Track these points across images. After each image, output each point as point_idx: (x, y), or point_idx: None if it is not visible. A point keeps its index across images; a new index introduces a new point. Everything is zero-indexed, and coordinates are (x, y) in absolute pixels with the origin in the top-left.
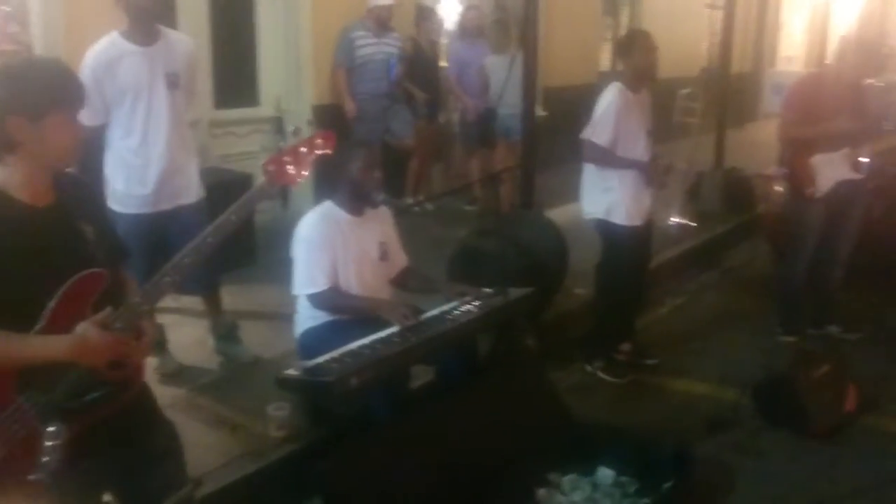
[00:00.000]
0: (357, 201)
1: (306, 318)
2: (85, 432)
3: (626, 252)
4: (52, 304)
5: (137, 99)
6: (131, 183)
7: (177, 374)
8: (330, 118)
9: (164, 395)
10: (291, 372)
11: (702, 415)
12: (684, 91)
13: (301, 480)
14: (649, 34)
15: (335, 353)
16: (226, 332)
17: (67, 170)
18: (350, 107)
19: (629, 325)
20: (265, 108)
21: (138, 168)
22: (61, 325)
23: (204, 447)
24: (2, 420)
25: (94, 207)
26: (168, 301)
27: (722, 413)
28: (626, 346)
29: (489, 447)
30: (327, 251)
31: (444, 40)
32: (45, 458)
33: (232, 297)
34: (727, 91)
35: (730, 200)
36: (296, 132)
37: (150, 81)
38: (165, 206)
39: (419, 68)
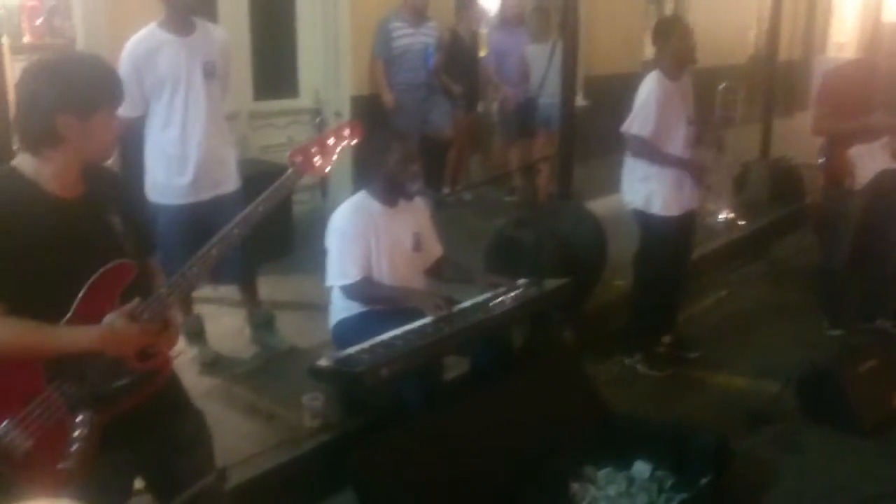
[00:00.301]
0: (391, 193)
1: (340, 308)
2: (113, 421)
3: (664, 243)
4: (80, 294)
5: (176, 88)
6: (171, 173)
7: (214, 364)
8: (368, 109)
9: (201, 384)
10: (323, 362)
11: (742, 409)
12: (722, 86)
13: (334, 470)
14: (684, 20)
15: (367, 344)
16: (262, 322)
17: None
18: (388, 98)
19: (670, 318)
20: (304, 100)
21: (178, 158)
22: (90, 315)
23: (239, 436)
24: (31, 409)
25: (122, 199)
26: (206, 291)
27: (763, 407)
28: (666, 339)
29: (523, 440)
30: (360, 242)
31: (484, 29)
32: (73, 447)
33: (269, 287)
34: (774, 79)
35: (777, 191)
36: (321, 123)
37: (189, 71)
38: (205, 195)
39: (457, 58)
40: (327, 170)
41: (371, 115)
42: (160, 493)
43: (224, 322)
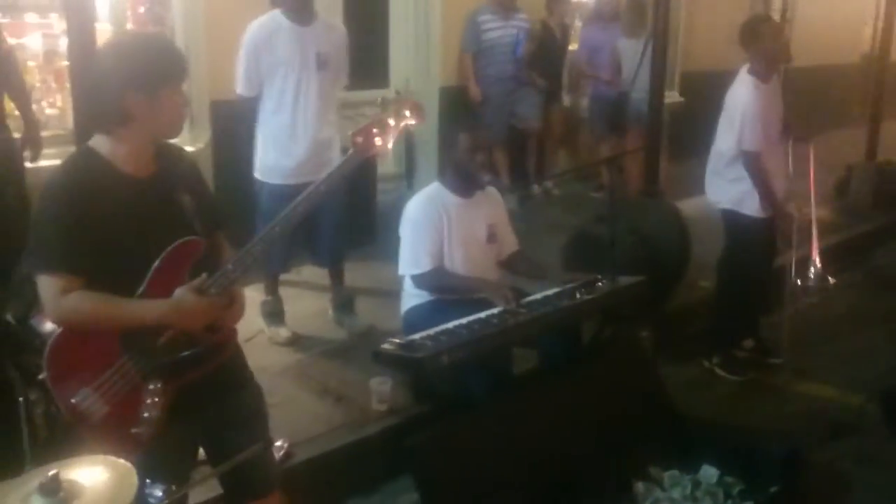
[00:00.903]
0: (463, 183)
1: (411, 295)
2: (182, 390)
3: (753, 245)
4: (152, 270)
5: (289, 73)
6: (279, 155)
7: (291, 344)
8: (456, 100)
9: (277, 362)
10: (387, 346)
11: (824, 419)
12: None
13: (397, 454)
14: (773, 18)
15: (432, 331)
16: (343, 303)
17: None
18: (475, 91)
19: (753, 322)
20: (395, 90)
21: (286, 141)
22: (160, 290)
23: (309, 415)
24: (107, 377)
25: (192, 177)
26: (290, 275)
27: (846, 419)
28: (748, 343)
29: (588, 435)
30: (432, 232)
31: (578, 23)
32: (146, 414)
33: (351, 273)
34: (884, 79)
35: (882, 196)
36: (382, 103)
37: (303, 58)
38: (309, 178)
39: (546, 51)
40: (387, 149)
41: (459, 107)
42: (217, 463)
43: (306, 304)
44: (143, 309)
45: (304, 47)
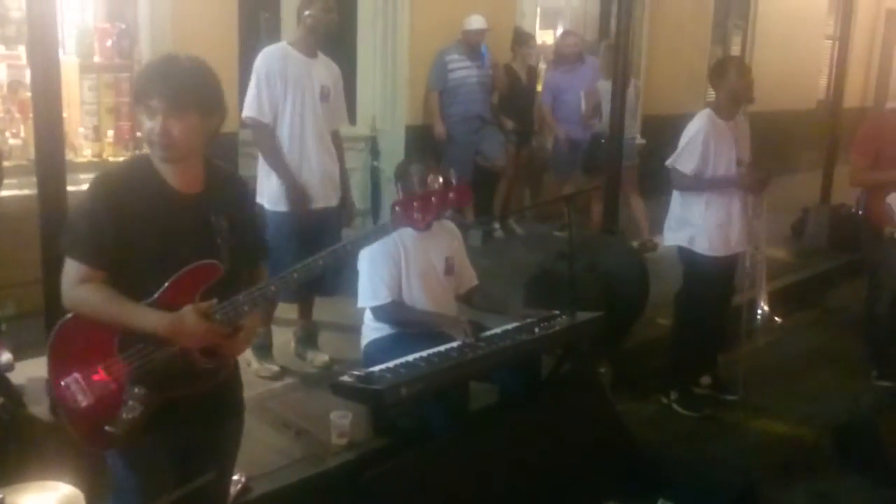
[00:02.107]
0: None
1: (371, 329)
2: (167, 405)
3: (707, 283)
4: (167, 283)
5: (296, 102)
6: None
7: (275, 379)
8: (422, 139)
9: None
10: (345, 378)
11: (778, 455)
12: None
13: (355, 489)
14: (743, 60)
15: (391, 363)
16: (307, 336)
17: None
18: (440, 130)
19: (709, 358)
20: (361, 128)
21: (296, 170)
22: (170, 303)
23: (268, 448)
24: (96, 369)
25: (237, 204)
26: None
27: (799, 455)
28: (705, 380)
29: (546, 469)
30: (390, 265)
31: (542, 65)
32: (124, 415)
33: (315, 308)
34: (838, 125)
35: (836, 238)
36: (432, 181)
37: (310, 89)
38: (313, 206)
39: (514, 95)
40: (423, 226)
41: (425, 145)
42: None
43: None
44: (144, 316)
45: (311, 79)
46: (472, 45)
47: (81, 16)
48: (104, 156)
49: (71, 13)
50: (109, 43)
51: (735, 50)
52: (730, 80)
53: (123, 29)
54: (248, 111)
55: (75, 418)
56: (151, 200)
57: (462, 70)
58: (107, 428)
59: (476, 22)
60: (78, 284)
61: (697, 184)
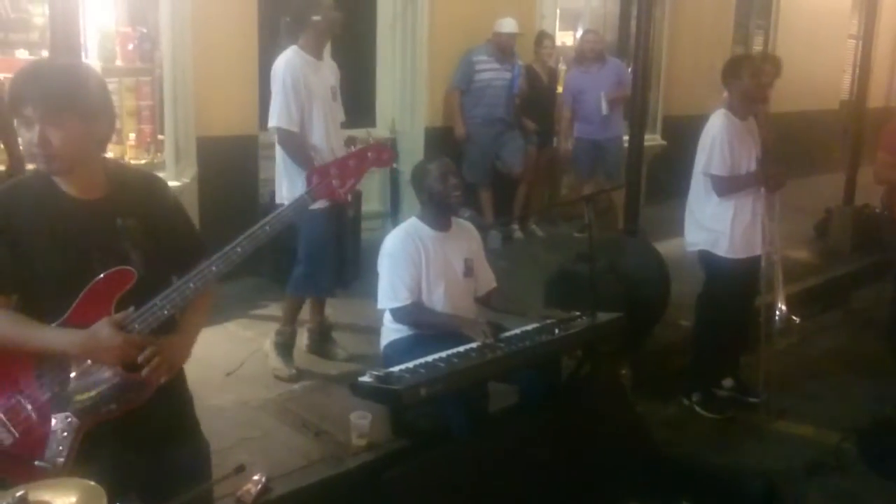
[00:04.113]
0: (439, 214)
1: (391, 330)
2: (102, 429)
3: (729, 285)
4: (79, 297)
5: (316, 103)
6: None
7: (292, 380)
8: (441, 140)
9: (257, 396)
10: (365, 378)
11: (801, 458)
12: None
13: (374, 490)
14: (755, 58)
15: (410, 364)
16: (324, 331)
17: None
18: (460, 130)
19: (732, 361)
20: (381, 130)
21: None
22: (84, 319)
23: (288, 449)
24: (16, 401)
25: (149, 203)
26: (272, 309)
27: (822, 457)
28: (727, 382)
29: (566, 471)
30: (410, 266)
31: (562, 66)
32: (54, 447)
33: (333, 309)
34: (863, 124)
35: (859, 238)
36: (349, 143)
37: (324, 91)
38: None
39: (535, 96)
40: (346, 193)
41: (444, 146)
42: None
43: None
44: (54, 337)
45: (323, 81)
46: (502, 48)
47: (103, 20)
48: (126, 158)
49: (93, 18)
50: (131, 47)
51: (757, 50)
52: (742, 80)
53: (144, 33)
54: (279, 122)
55: (2, 459)
56: (47, 212)
57: (489, 72)
58: (37, 463)
59: (508, 25)
60: None
61: (735, 186)
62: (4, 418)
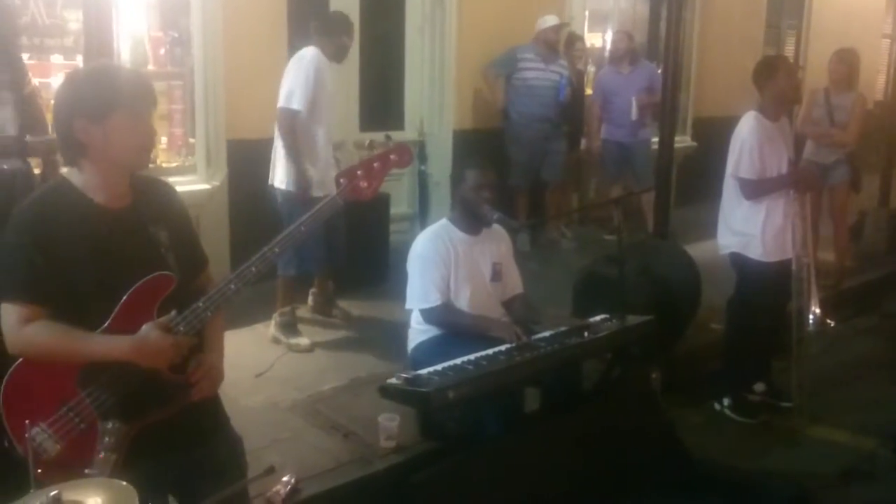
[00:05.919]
0: (470, 219)
1: (419, 332)
2: (144, 433)
3: (761, 288)
4: (119, 304)
5: (328, 103)
6: (327, 168)
7: (310, 350)
8: (469, 143)
9: (287, 398)
10: (393, 381)
11: (834, 463)
12: None
13: (403, 492)
14: (788, 58)
15: (439, 366)
16: (328, 298)
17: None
18: (500, 99)
19: (764, 365)
20: (409, 132)
21: (325, 156)
22: (127, 325)
23: (317, 450)
24: (62, 413)
25: (172, 212)
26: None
27: (856, 463)
28: (759, 386)
29: (594, 475)
30: (441, 267)
31: (591, 68)
32: (102, 454)
33: (362, 311)
34: None
35: (895, 241)
36: (370, 145)
37: (329, 91)
38: (321, 193)
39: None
40: (371, 194)
41: (473, 149)
42: None
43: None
44: (103, 344)
45: (330, 83)
46: (549, 45)
47: (135, 25)
48: (158, 162)
49: (126, 23)
50: (162, 51)
51: (789, 51)
52: (777, 81)
53: (176, 37)
54: (298, 104)
55: (50, 470)
56: (80, 222)
57: (532, 71)
58: (87, 472)
59: (550, 20)
60: (22, 326)
61: (764, 190)
62: (51, 430)
